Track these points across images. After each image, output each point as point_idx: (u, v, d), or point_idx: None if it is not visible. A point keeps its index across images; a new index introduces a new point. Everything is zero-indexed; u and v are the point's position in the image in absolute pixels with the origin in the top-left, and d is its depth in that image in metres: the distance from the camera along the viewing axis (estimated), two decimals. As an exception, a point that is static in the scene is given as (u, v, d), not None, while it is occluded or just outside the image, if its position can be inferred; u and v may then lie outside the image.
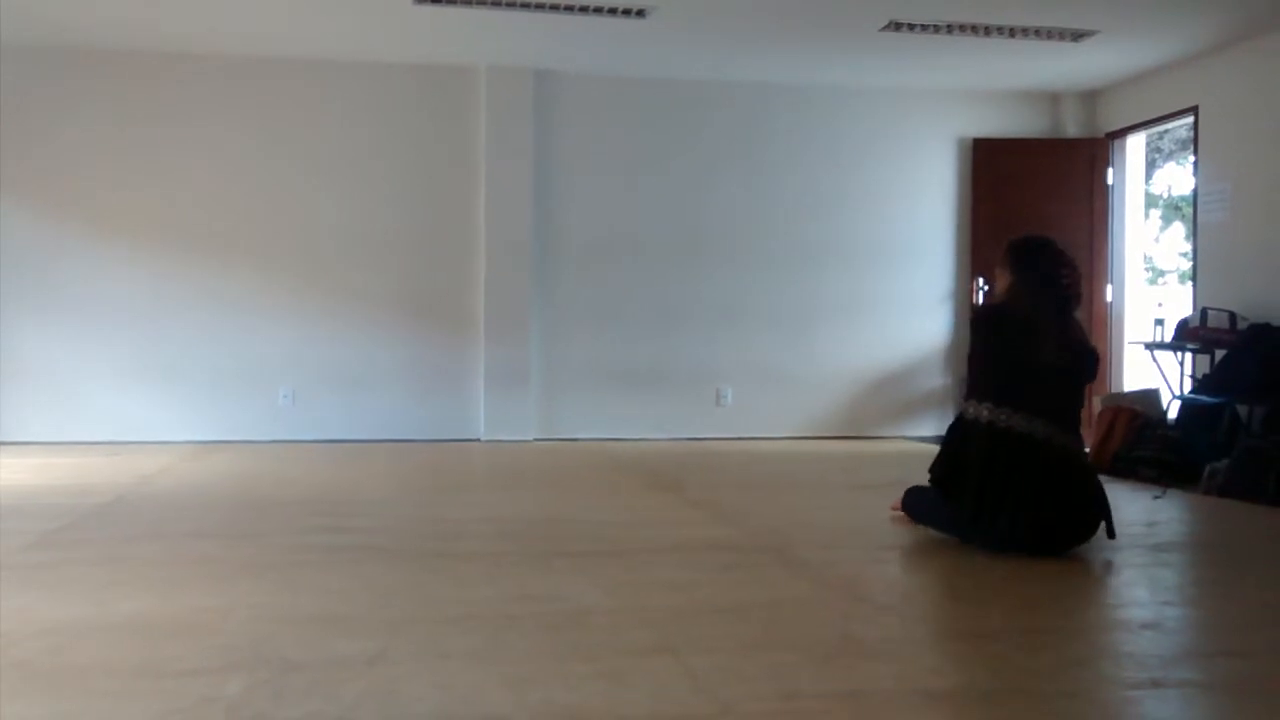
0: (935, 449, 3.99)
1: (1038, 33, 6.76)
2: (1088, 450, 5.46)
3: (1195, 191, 7.47)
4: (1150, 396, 6.89)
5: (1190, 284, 7.54)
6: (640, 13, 6.43)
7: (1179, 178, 13.63)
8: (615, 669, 2.38)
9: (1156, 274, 14.04)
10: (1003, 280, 3.80)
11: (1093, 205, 8.25)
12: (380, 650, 2.50)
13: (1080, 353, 3.73)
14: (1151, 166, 12.12)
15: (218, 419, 7.42)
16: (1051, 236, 3.99)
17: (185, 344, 7.42)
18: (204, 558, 3.62)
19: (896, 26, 6.65)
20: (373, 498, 5.11)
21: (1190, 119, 7.48)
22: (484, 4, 6.32)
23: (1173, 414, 6.71)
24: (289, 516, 4.51)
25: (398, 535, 4.11)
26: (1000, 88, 8.27)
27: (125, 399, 7.33)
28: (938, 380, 8.36)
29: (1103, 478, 6.00)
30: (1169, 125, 8.41)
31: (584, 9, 6.39)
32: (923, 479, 4.02)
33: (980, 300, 8.22)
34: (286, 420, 7.52)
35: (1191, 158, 7.65)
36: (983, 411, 3.61)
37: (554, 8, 6.38)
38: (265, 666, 2.36)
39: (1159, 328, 7.11)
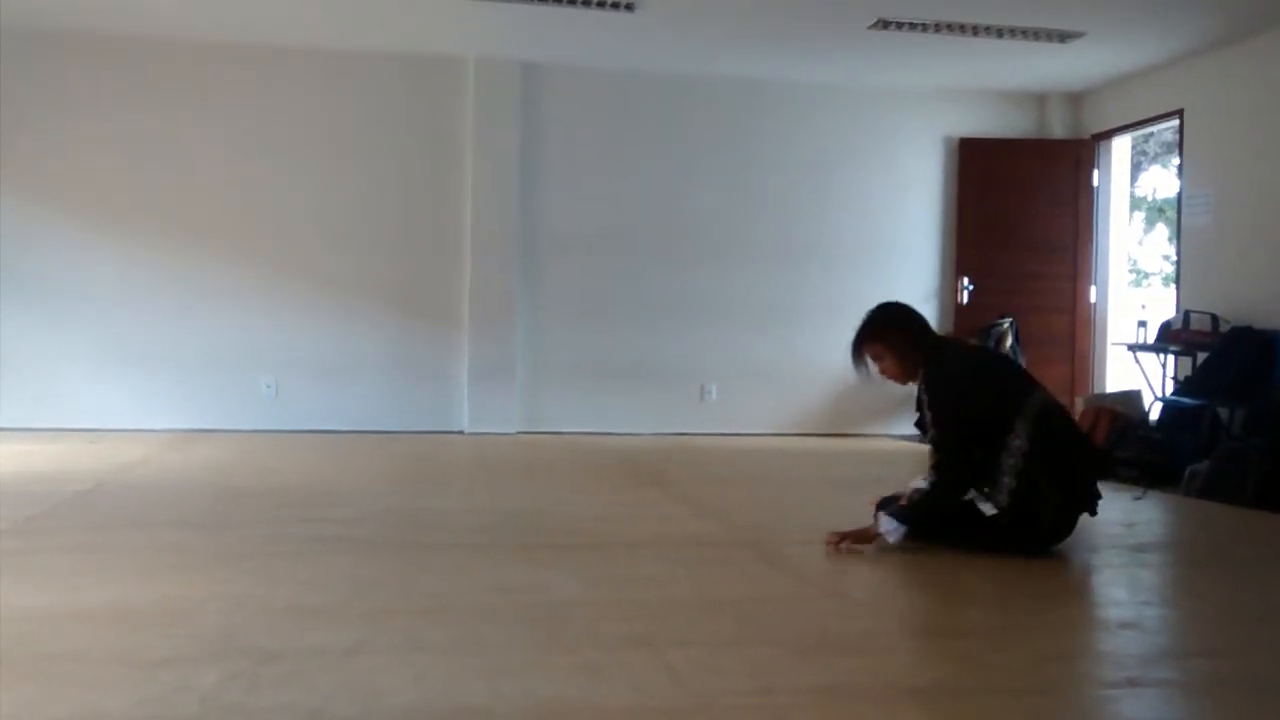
0: (917, 448, 3.98)
1: (1025, 33, 6.77)
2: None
3: (1180, 194, 7.50)
4: (1132, 397, 6.92)
5: (1174, 286, 7.58)
6: (629, 6, 6.42)
7: (1163, 180, 13.70)
8: (594, 662, 2.37)
9: (1141, 276, 14.12)
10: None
11: (1077, 206, 8.28)
12: (357, 641, 2.48)
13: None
14: (1136, 169, 12.18)
15: (200, 408, 7.38)
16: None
17: (169, 332, 7.37)
18: (182, 547, 3.60)
19: (884, 25, 6.66)
20: (354, 489, 5.09)
21: (1175, 122, 7.51)
22: (472, -5, 6.30)
23: (1154, 415, 6.74)
24: (269, 507, 4.49)
25: (378, 526, 4.10)
26: (987, 88, 8.29)
27: (107, 387, 7.28)
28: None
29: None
30: (1154, 128, 8.45)
31: (572, 1, 6.37)
32: (901, 479, 4.01)
33: (965, 300, 8.26)
34: (269, 410, 7.49)
35: (1176, 161, 7.68)
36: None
37: (542, 0, 6.36)
38: (241, 656, 2.34)
39: (1142, 329, 7.15)
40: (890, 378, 3.74)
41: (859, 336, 3.76)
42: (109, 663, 2.31)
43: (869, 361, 3.72)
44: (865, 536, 3.56)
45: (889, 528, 3.51)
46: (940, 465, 3.50)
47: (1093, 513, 3.67)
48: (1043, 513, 3.50)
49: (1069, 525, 3.64)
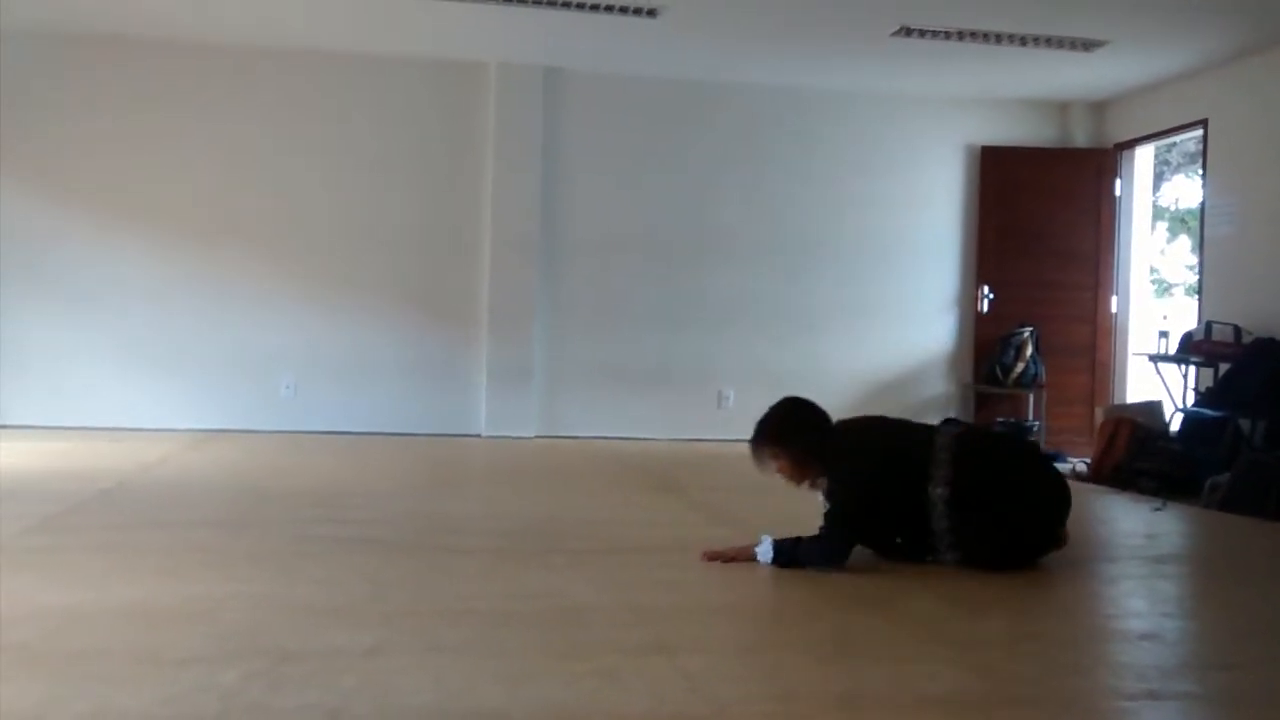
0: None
1: (1048, 42, 6.75)
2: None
3: (1203, 204, 7.45)
4: (1153, 408, 6.88)
5: (1196, 297, 7.53)
6: (651, 12, 6.43)
7: (1186, 190, 13.62)
8: (611, 667, 2.37)
9: (1164, 287, 14.03)
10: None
11: (1099, 216, 8.24)
12: (376, 643, 2.50)
13: None
14: (1159, 179, 12.11)
15: (220, 408, 7.42)
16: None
17: (190, 332, 7.42)
18: (203, 546, 3.62)
19: (907, 32, 6.64)
20: (372, 490, 5.11)
21: (1199, 132, 7.47)
22: (494, 0, 6.32)
23: (1175, 426, 6.70)
24: (288, 507, 4.51)
25: (397, 528, 4.11)
26: (1009, 96, 8.26)
27: (128, 386, 7.33)
28: (940, 387, 8.35)
29: (1103, 489, 6.03)
30: (1178, 137, 8.41)
31: (595, 7, 6.39)
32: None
33: (985, 308, 8.24)
34: (288, 411, 7.53)
35: (1200, 170, 7.64)
36: None
37: (565, 5, 6.37)
38: (261, 656, 2.36)
39: (1163, 340, 7.11)
40: (785, 478, 3.63)
41: (757, 435, 3.64)
42: (131, 661, 2.33)
43: (767, 459, 3.61)
44: (743, 555, 3.50)
45: (762, 550, 3.45)
46: (828, 538, 3.43)
47: (1063, 514, 3.57)
48: (994, 542, 3.43)
49: (1037, 540, 3.55)
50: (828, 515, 3.45)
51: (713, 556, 3.52)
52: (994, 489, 3.45)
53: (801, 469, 3.59)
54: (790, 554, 3.43)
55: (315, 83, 7.58)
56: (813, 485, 3.61)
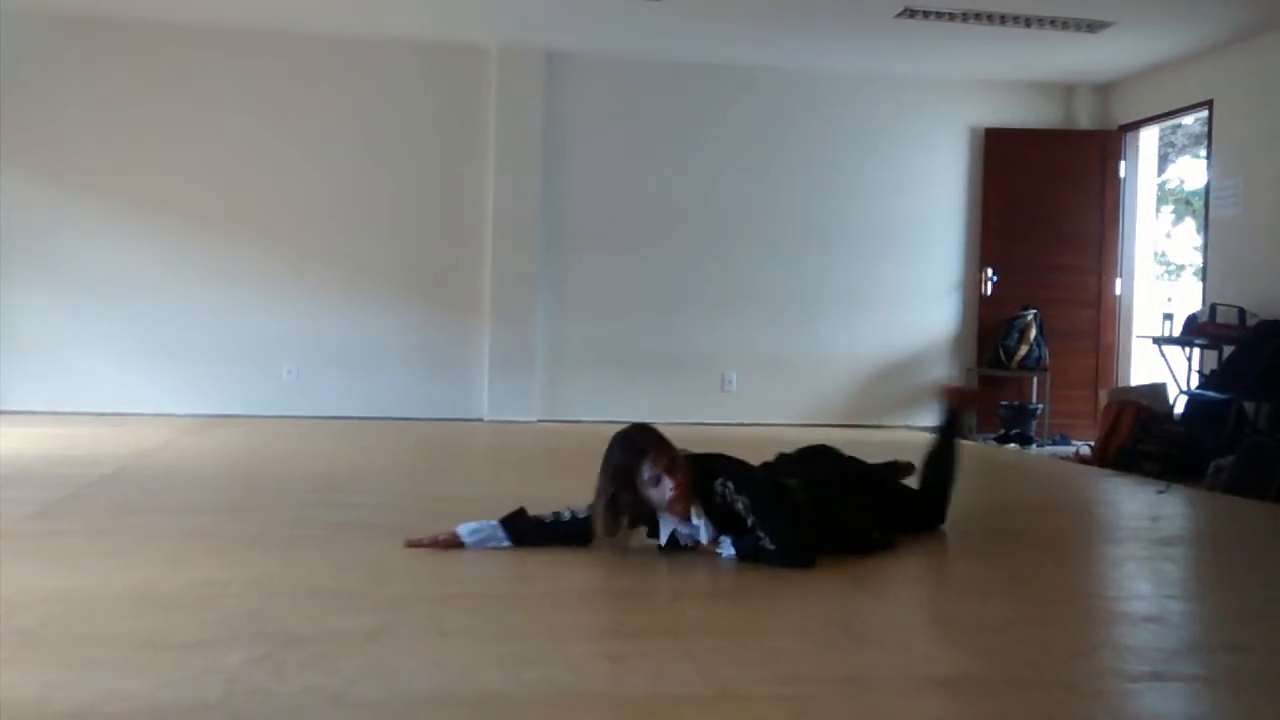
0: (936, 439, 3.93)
1: (1053, 23, 6.71)
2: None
3: (1208, 186, 7.42)
4: (1157, 391, 6.87)
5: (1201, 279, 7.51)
6: (653, -6, 6.39)
7: (1190, 172, 13.57)
8: (615, 650, 2.37)
9: (1175, 269, 14.00)
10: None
11: (1104, 198, 8.21)
12: (380, 626, 2.49)
13: None
14: (1164, 161, 12.06)
15: (221, 393, 7.42)
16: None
17: (191, 317, 7.41)
18: (205, 531, 3.62)
19: (911, 13, 6.60)
20: (375, 475, 5.10)
21: (1205, 113, 7.43)
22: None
23: (1179, 409, 6.69)
24: (291, 491, 4.51)
25: (399, 512, 4.11)
26: (1013, 78, 8.22)
27: (129, 371, 7.33)
28: (943, 370, 8.33)
29: (1107, 471, 6.03)
30: (1183, 119, 8.37)
31: (597, -11, 6.35)
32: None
33: (989, 291, 8.22)
34: (290, 396, 7.52)
35: (1205, 152, 7.60)
36: None
37: (567, -13, 6.35)
38: (265, 640, 2.35)
39: (1168, 322, 7.09)
40: (678, 494, 3.21)
41: (667, 443, 3.32)
42: (135, 645, 2.33)
43: (660, 477, 3.20)
44: (446, 544, 3.37)
45: (726, 549, 3.24)
46: (790, 534, 3.16)
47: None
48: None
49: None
50: (773, 516, 3.17)
51: (416, 545, 3.36)
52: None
53: (692, 491, 3.26)
54: (750, 552, 3.20)
55: (316, 67, 7.55)
56: (685, 512, 3.28)
